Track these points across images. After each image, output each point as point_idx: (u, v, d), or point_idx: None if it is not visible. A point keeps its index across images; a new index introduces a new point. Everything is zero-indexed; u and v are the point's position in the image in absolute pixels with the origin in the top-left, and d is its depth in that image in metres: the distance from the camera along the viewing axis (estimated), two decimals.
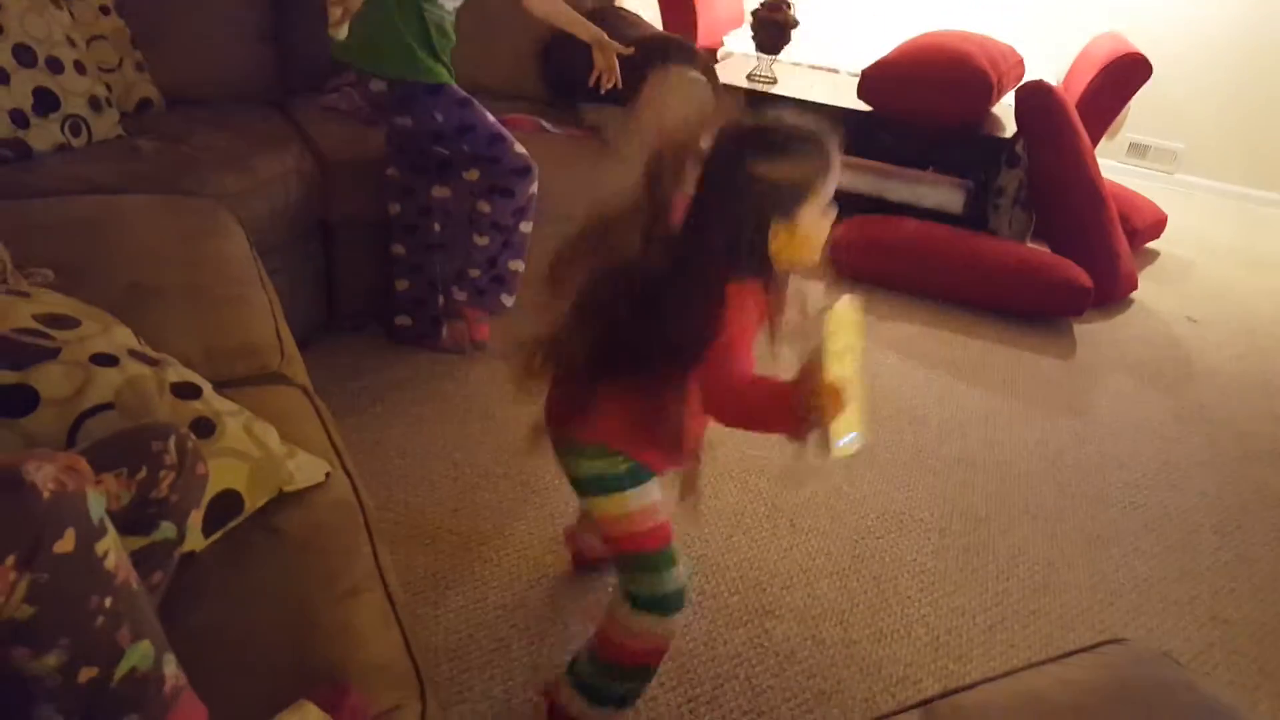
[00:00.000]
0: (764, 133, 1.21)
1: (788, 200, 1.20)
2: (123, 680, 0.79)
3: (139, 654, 0.80)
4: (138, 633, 0.80)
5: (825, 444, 1.16)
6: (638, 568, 1.37)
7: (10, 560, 0.71)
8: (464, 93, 2.23)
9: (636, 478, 1.35)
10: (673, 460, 1.36)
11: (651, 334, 1.24)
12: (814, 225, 1.24)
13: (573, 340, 1.31)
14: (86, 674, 0.77)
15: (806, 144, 1.21)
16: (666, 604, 1.36)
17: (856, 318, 1.19)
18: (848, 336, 1.17)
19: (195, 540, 1.12)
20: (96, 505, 0.79)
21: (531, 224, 2.37)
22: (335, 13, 1.94)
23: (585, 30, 2.34)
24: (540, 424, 1.41)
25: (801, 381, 1.15)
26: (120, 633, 0.79)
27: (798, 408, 1.15)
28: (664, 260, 1.24)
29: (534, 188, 2.31)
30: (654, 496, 1.37)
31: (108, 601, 0.78)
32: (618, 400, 1.30)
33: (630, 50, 2.33)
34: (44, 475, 0.75)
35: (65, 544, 0.75)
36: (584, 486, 1.39)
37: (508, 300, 2.46)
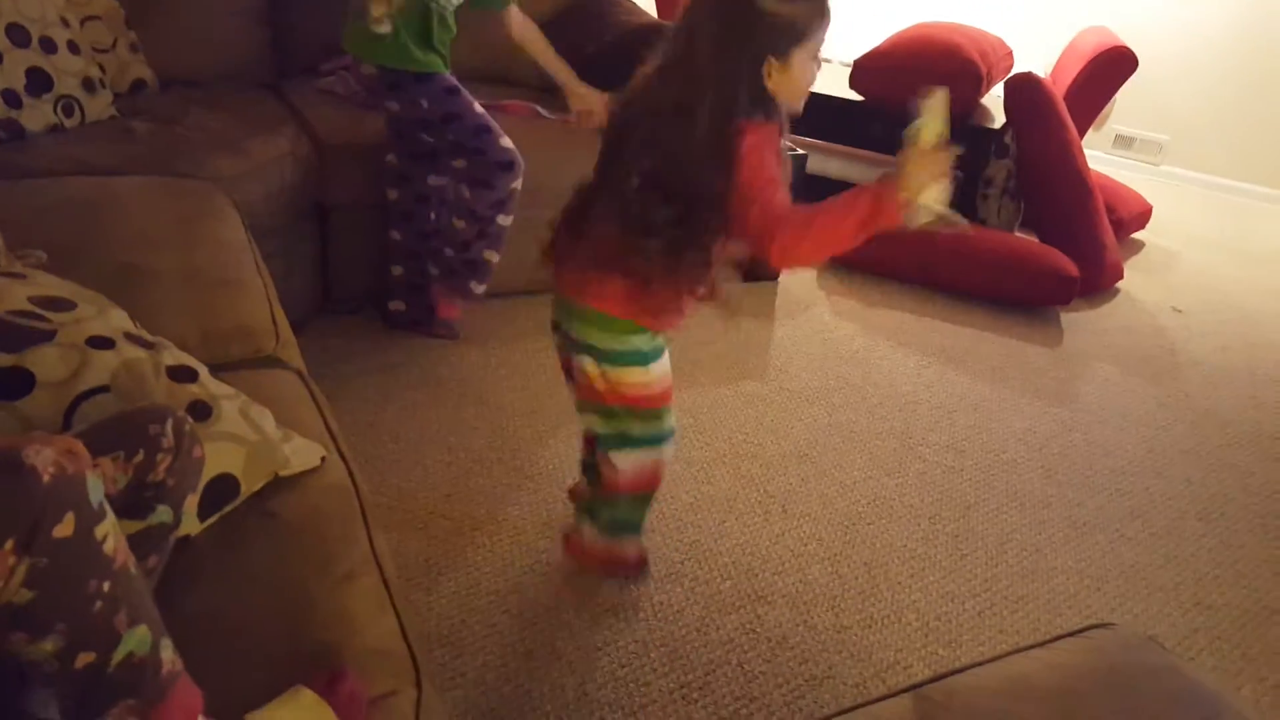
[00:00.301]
0: None
1: (787, 38, 1.25)
2: (119, 665, 0.78)
3: (136, 639, 0.80)
4: (135, 617, 0.80)
5: (916, 207, 1.25)
6: (643, 418, 1.52)
7: (9, 544, 0.71)
8: (454, 81, 2.21)
9: (659, 351, 1.48)
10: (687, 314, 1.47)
11: (674, 181, 1.30)
12: (803, 69, 1.30)
13: (595, 202, 1.41)
14: (84, 659, 0.76)
15: None
16: (661, 439, 1.55)
17: (946, 109, 1.27)
18: (938, 123, 1.26)
19: (191, 524, 1.12)
20: (96, 489, 0.79)
21: (511, 217, 2.33)
22: (378, 10, 1.93)
23: (558, 71, 2.34)
24: (551, 278, 1.49)
25: (904, 151, 1.25)
26: (118, 618, 0.79)
27: (884, 192, 1.25)
28: (669, 98, 1.30)
29: (516, 183, 2.28)
30: (667, 364, 1.51)
31: (106, 586, 0.78)
32: (638, 271, 1.36)
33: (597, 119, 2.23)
34: (44, 458, 0.74)
35: (65, 528, 0.74)
36: (608, 357, 1.47)
37: (478, 288, 2.42)
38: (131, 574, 0.82)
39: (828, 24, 1.30)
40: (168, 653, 0.84)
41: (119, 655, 0.78)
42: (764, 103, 1.30)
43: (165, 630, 0.85)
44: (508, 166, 2.25)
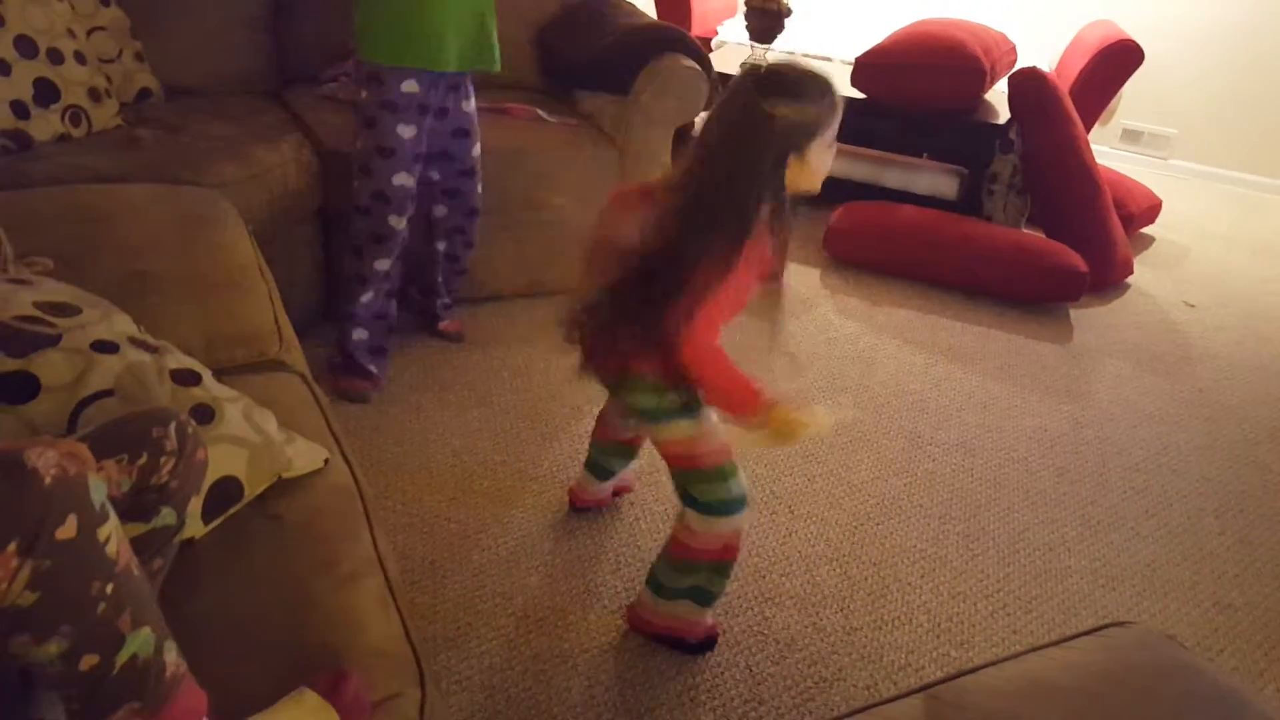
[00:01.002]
0: (781, 78, 1.34)
1: (803, 137, 1.34)
2: (123, 668, 0.78)
3: (140, 641, 0.79)
4: (139, 619, 0.80)
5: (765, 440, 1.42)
6: (700, 480, 1.52)
7: (12, 547, 0.71)
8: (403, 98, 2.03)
9: (690, 410, 1.48)
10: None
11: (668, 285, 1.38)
12: (820, 158, 1.39)
13: (606, 299, 1.47)
14: (88, 661, 0.76)
15: (817, 87, 1.36)
16: (729, 508, 1.52)
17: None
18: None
19: (195, 527, 1.11)
20: (98, 491, 0.79)
21: (384, 262, 2.19)
22: None
23: None
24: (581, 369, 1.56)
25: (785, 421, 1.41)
26: (121, 620, 0.78)
27: (755, 411, 1.41)
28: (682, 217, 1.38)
29: (378, 224, 2.12)
30: (710, 423, 1.52)
31: (109, 588, 0.77)
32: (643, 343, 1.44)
33: None
34: (46, 461, 0.74)
35: (67, 530, 0.74)
36: (644, 416, 1.53)
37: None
38: (134, 576, 0.82)
39: (836, 114, 1.38)
40: (171, 655, 0.83)
41: (123, 657, 0.78)
42: (778, 193, 1.38)
43: (169, 633, 0.85)
44: (364, 211, 2.13)
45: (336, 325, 2.26)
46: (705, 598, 1.60)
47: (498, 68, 2.13)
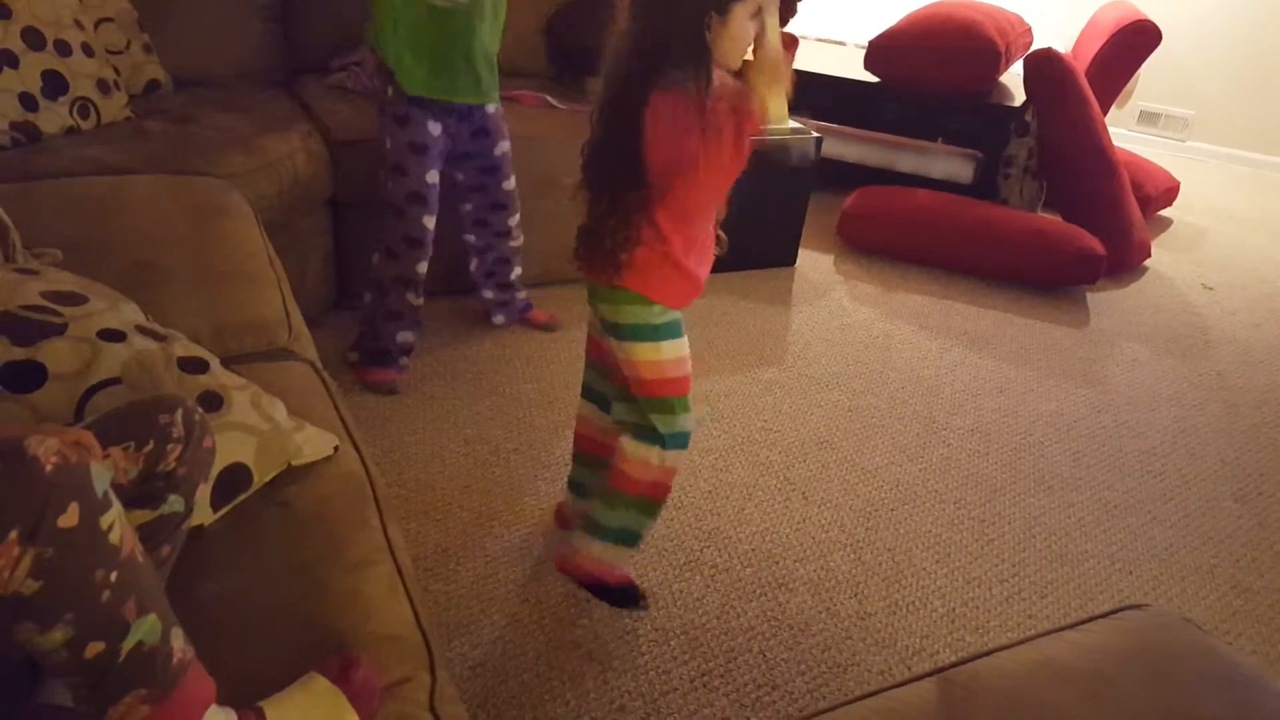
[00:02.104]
0: None
1: None
2: (130, 655, 0.78)
3: (145, 628, 0.79)
4: (144, 607, 0.80)
5: (767, 114, 1.34)
6: (659, 409, 1.52)
7: (13, 535, 0.70)
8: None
9: (669, 330, 1.49)
10: (693, 293, 1.50)
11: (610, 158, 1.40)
12: (742, 26, 1.32)
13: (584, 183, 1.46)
14: (93, 649, 0.76)
15: None
16: (675, 441, 1.54)
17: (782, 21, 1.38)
18: (777, 32, 1.36)
19: (204, 514, 1.11)
20: (100, 479, 0.79)
21: (424, 264, 2.21)
22: None
23: None
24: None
25: (749, 64, 1.36)
26: (126, 607, 0.78)
27: (740, 105, 1.34)
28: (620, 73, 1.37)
29: (412, 227, 2.13)
30: (685, 349, 1.52)
31: (113, 576, 0.77)
32: (599, 235, 1.43)
33: None
34: (46, 449, 0.74)
35: (69, 518, 0.74)
36: (622, 332, 1.50)
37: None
38: (139, 563, 0.82)
39: None
40: (178, 642, 0.83)
41: (129, 644, 0.78)
42: (697, 60, 1.32)
43: (176, 620, 0.84)
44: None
45: (367, 322, 2.26)
46: (630, 538, 1.62)
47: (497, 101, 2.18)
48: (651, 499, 1.59)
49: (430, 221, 2.11)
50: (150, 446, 0.95)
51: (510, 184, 2.30)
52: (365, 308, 2.27)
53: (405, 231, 2.10)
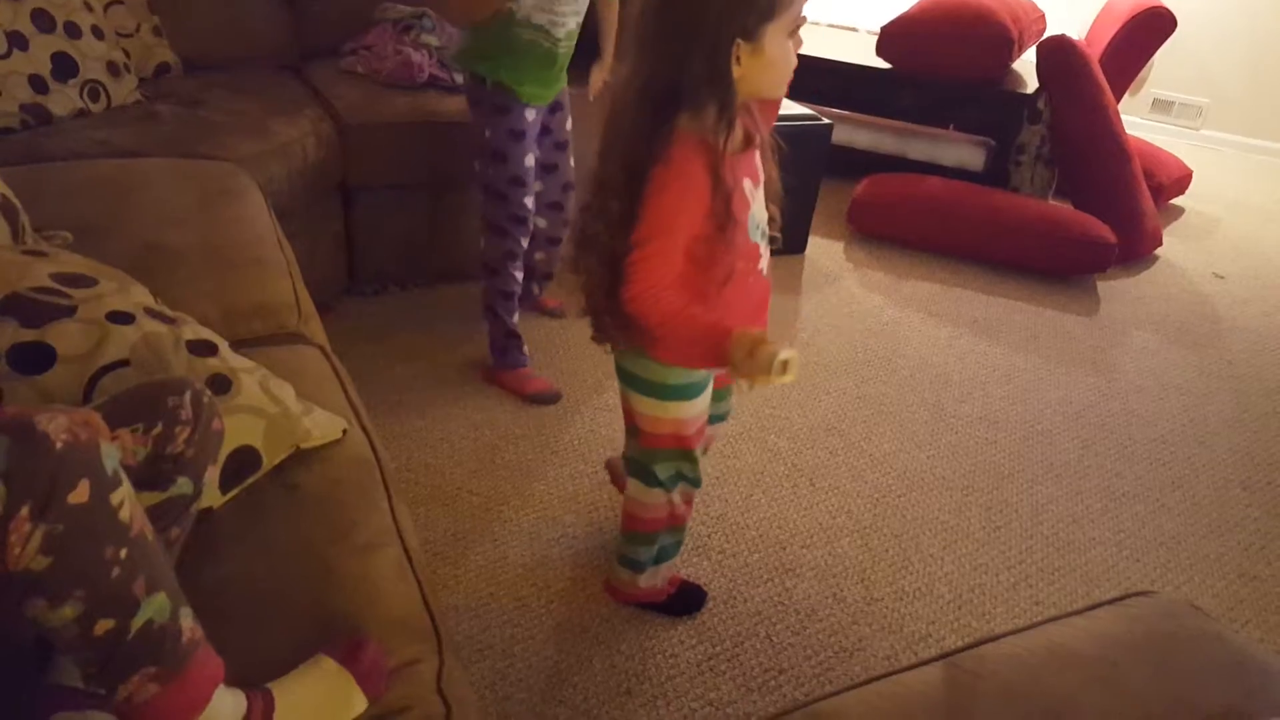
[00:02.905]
0: None
1: (753, 15, 1.10)
2: (139, 632, 0.78)
3: (155, 606, 0.80)
4: (154, 585, 0.80)
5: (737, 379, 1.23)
6: (659, 459, 1.49)
7: (24, 511, 0.71)
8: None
9: (688, 392, 1.41)
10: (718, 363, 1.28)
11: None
12: (779, 48, 1.14)
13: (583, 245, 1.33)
14: (103, 626, 0.77)
15: None
16: (680, 483, 1.53)
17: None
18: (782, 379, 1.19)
19: (213, 496, 1.12)
20: (110, 457, 0.79)
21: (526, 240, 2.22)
22: None
23: (608, 44, 2.26)
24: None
25: (751, 361, 1.18)
26: (136, 584, 0.78)
27: (726, 356, 1.20)
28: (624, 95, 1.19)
29: (517, 207, 2.14)
30: (700, 408, 1.45)
31: (123, 553, 0.77)
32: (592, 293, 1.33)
33: None
34: (56, 426, 0.74)
35: (79, 494, 0.74)
36: (625, 378, 1.46)
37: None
38: (149, 542, 0.82)
39: None
40: (188, 621, 0.84)
41: (138, 622, 0.78)
42: (721, 94, 1.13)
43: (185, 599, 0.85)
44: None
45: (489, 315, 2.25)
46: (667, 555, 1.63)
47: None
48: (671, 527, 1.59)
49: (531, 201, 2.14)
50: (158, 429, 0.95)
51: (573, 161, 2.32)
52: (485, 311, 2.26)
53: (511, 212, 2.12)
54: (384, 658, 0.98)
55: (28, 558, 0.72)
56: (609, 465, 1.91)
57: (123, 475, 0.80)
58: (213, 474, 1.07)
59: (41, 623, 0.75)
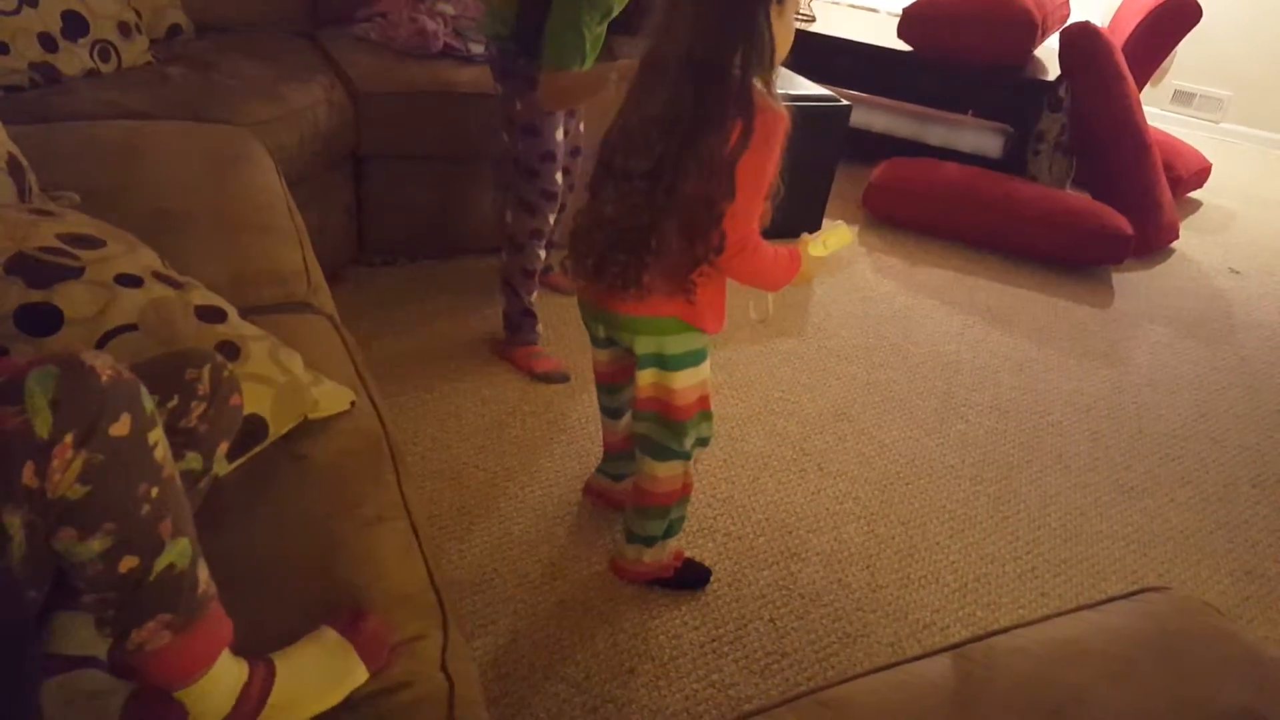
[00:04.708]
0: None
1: None
2: (160, 575, 0.78)
3: (178, 550, 0.80)
4: (179, 529, 0.80)
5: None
6: (691, 427, 1.52)
7: (69, 438, 0.71)
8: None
9: (705, 352, 1.49)
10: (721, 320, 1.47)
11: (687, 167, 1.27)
12: (790, 16, 1.28)
13: (612, 209, 1.35)
14: (127, 563, 0.76)
15: None
16: (699, 447, 1.57)
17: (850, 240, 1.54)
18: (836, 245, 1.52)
19: (220, 465, 1.11)
20: (148, 398, 0.80)
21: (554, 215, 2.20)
22: None
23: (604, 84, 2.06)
24: (588, 309, 1.52)
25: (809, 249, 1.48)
26: (163, 525, 0.79)
27: (799, 272, 1.46)
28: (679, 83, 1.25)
29: (548, 182, 2.12)
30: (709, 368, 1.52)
31: (154, 491, 0.78)
32: (663, 280, 1.36)
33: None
34: (102, 362, 0.76)
35: (120, 427, 0.75)
36: (669, 363, 1.46)
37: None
38: (177, 486, 0.83)
39: None
40: (204, 573, 0.84)
41: (161, 564, 0.78)
42: (761, 54, 1.25)
43: (202, 552, 0.84)
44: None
45: (507, 291, 2.22)
46: (673, 530, 1.66)
47: None
48: (683, 498, 1.62)
49: (560, 177, 2.11)
50: (175, 402, 0.94)
51: (582, 126, 2.28)
52: (503, 286, 2.23)
53: (543, 187, 2.08)
54: (387, 629, 0.97)
55: (66, 484, 0.72)
56: (591, 489, 1.86)
57: (158, 418, 0.80)
58: (224, 449, 1.06)
59: (69, 555, 0.75)
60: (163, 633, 0.79)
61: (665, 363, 1.46)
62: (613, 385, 1.69)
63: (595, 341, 1.60)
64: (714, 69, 1.24)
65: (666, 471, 1.57)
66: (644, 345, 1.46)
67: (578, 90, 1.93)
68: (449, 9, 2.61)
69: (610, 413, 1.74)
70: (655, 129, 1.28)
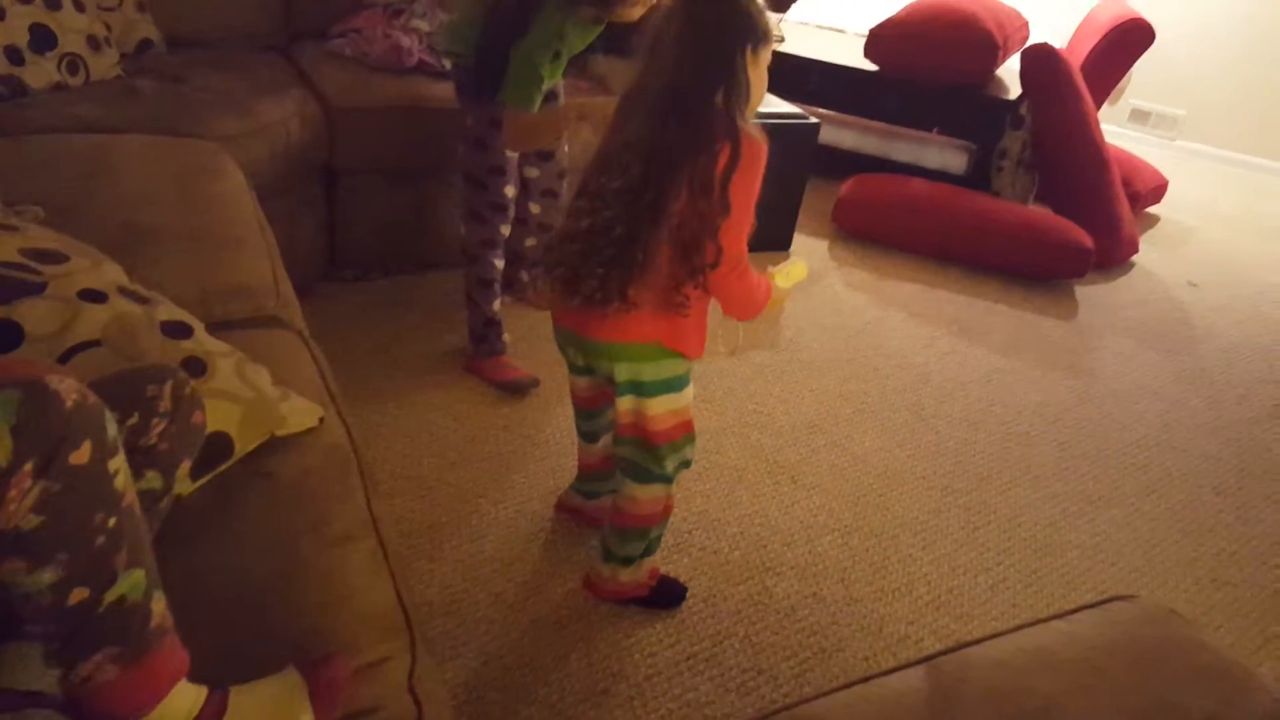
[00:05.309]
0: None
1: (758, 35, 1.32)
2: (110, 607, 0.76)
3: (130, 582, 0.77)
4: (134, 560, 0.78)
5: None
6: (673, 450, 1.52)
7: (29, 466, 0.69)
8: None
9: (688, 375, 1.49)
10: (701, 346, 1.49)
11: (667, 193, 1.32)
12: (762, 68, 1.35)
13: (598, 232, 1.36)
14: (78, 595, 0.74)
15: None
16: (680, 471, 1.56)
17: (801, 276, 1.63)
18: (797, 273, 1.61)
19: (183, 484, 1.08)
20: (111, 423, 0.77)
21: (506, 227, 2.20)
22: None
23: (565, 124, 2.10)
24: (564, 334, 1.52)
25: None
26: (118, 556, 0.76)
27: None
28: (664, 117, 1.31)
29: (497, 195, 2.12)
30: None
31: (111, 521, 0.76)
32: (650, 295, 1.37)
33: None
34: (67, 386, 0.73)
35: (81, 455, 0.73)
36: (649, 389, 1.46)
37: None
38: (137, 515, 0.80)
39: (772, 41, 1.36)
40: (159, 606, 0.81)
41: (111, 596, 0.76)
42: (743, 95, 1.32)
43: (160, 584, 0.82)
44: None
45: (469, 304, 2.21)
46: (651, 550, 1.65)
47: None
48: (663, 519, 1.62)
49: (511, 190, 2.11)
50: (134, 419, 0.92)
51: (567, 147, 2.29)
52: (466, 299, 2.23)
53: (491, 199, 2.09)
54: (344, 676, 0.93)
55: (20, 515, 0.70)
56: (563, 506, 1.85)
57: (120, 444, 0.78)
58: (186, 467, 1.03)
59: (16, 586, 0.73)
60: (109, 666, 0.76)
61: (647, 389, 1.46)
62: (591, 410, 1.69)
63: (573, 369, 1.60)
64: (697, 101, 1.30)
65: (648, 494, 1.56)
66: (624, 372, 1.45)
67: (539, 130, 2.01)
68: (423, 25, 2.60)
69: (588, 436, 1.73)
70: (632, 153, 1.33)
